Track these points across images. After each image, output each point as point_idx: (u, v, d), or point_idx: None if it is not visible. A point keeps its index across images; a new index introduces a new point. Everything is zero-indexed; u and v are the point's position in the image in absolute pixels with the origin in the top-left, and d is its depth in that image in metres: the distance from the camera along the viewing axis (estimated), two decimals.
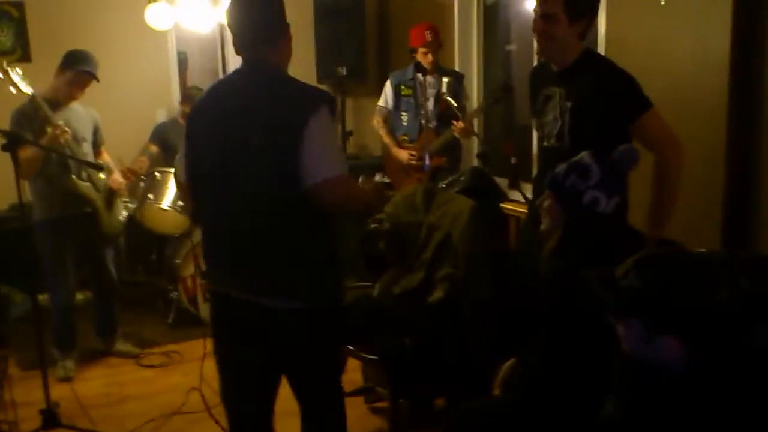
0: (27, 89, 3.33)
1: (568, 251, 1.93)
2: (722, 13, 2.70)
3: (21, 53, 4.61)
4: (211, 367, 2.41)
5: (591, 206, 1.89)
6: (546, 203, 1.99)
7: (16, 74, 3.31)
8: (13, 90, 3.31)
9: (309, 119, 1.89)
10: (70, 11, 4.70)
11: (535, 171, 3.95)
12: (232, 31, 2.06)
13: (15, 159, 2.86)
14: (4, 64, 3.34)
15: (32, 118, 3.39)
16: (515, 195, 3.76)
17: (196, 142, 2.10)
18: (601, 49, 3.35)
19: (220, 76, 4.78)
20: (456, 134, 3.74)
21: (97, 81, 3.57)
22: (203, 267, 2.33)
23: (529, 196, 2.81)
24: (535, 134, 3.72)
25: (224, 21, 4.10)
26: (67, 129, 3.40)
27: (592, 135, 2.34)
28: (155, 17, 4.26)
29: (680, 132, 2.39)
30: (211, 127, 2.04)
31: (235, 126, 1.97)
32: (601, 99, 2.37)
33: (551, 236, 2.02)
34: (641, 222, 2.25)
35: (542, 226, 2.03)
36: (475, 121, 4.16)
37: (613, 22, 3.34)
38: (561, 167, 1.96)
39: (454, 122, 3.69)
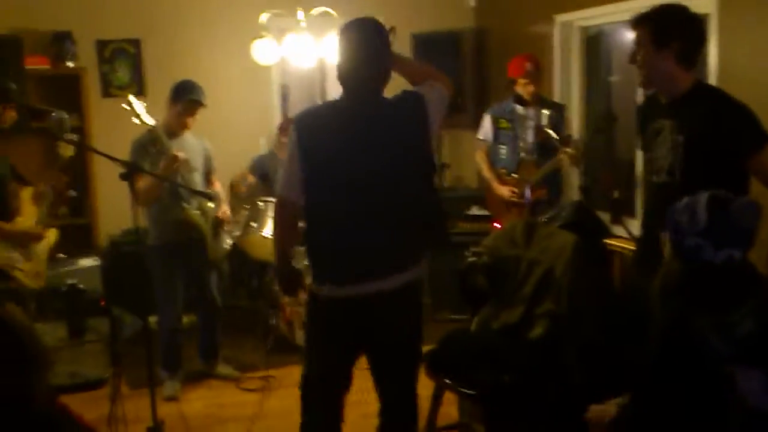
0: (149, 120, 3.54)
1: (680, 295, 1.83)
2: None
3: (137, 87, 4.91)
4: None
5: (693, 252, 1.80)
6: (666, 234, 1.91)
7: (140, 106, 3.52)
8: (136, 121, 3.51)
9: (428, 112, 2.36)
10: (182, 47, 5.00)
11: (639, 206, 3.83)
12: (352, 64, 2.32)
13: (132, 187, 3.02)
14: (129, 97, 3.56)
15: (149, 148, 3.60)
16: (618, 230, 3.65)
17: (321, 161, 2.31)
18: (713, 80, 3.22)
19: None
20: (564, 163, 3.68)
21: (205, 107, 3.75)
22: (316, 280, 2.43)
23: (636, 233, 2.71)
24: (639, 168, 3.61)
25: (326, 56, 4.31)
26: (181, 156, 3.56)
27: (706, 170, 2.25)
28: (261, 53, 4.45)
29: None
30: (351, 146, 2.31)
31: (383, 144, 2.31)
32: (716, 132, 2.27)
33: (660, 272, 1.93)
34: (761, 262, 2.11)
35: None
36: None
37: (726, 52, 3.20)
38: (684, 200, 1.89)
39: (562, 150, 3.62)
